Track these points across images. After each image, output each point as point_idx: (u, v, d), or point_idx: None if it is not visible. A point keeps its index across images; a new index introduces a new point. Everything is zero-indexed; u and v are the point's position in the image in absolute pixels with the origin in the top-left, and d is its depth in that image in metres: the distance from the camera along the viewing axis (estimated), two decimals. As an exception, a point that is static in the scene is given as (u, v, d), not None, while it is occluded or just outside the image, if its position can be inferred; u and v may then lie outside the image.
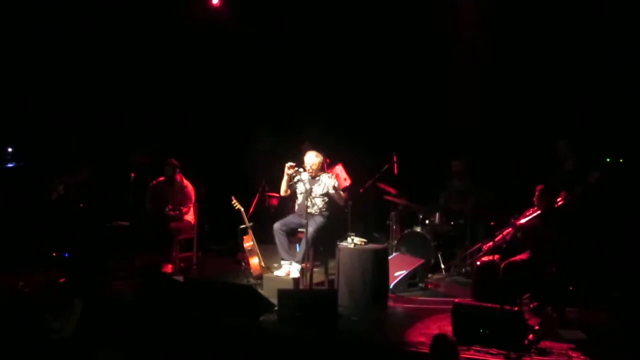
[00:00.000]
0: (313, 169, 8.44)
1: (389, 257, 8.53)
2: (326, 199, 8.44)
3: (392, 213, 9.91)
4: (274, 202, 10.43)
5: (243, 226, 8.96)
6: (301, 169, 8.41)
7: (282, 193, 8.64)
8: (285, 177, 8.45)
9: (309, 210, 8.13)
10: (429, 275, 9.05)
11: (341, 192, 8.43)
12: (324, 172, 8.62)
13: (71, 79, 11.23)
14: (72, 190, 10.18)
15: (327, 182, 8.41)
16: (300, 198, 8.55)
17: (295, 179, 8.44)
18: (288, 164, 8.36)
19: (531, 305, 7.36)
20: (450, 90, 10.53)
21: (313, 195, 8.36)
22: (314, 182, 8.46)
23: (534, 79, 10.12)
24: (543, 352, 6.17)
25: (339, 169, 9.96)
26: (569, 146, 8.87)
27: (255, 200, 9.92)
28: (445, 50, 10.60)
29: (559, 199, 7.38)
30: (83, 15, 10.97)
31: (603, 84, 9.54)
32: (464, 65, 10.32)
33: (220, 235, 11.20)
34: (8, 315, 6.10)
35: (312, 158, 8.47)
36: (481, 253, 8.55)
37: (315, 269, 8.33)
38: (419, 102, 10.83)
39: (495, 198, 9.12)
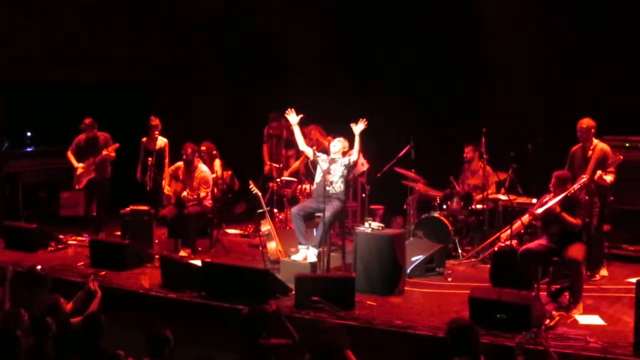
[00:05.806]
0: (337, 151, 8.44)
1: (406, 242, 8.52)
2: (345, 177, 8.38)
3: (410, 197, 9.88)
4: (292, 186, 10.40)
5: (260, 210, 8.97)
6: (319, 153, 8.41)
7: (301, 147, 8.57)
8: (296, 128, 8.42)
9: (326, 189, 8.10)
10: (446, 261, 9.02)
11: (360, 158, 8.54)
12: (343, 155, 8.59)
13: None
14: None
15: (344, 161, 8.37)
16: (318, 179, 8.46)
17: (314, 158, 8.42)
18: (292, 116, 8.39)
19: (549, 291, 7.33)
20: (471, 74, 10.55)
21: (332, 174, 8.32)
22: (333, 161, 8.41)
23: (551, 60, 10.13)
24: (560, 337, 6.15)
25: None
26: (593, 130, 8.05)
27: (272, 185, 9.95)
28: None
29: (577, 183, 7.24)
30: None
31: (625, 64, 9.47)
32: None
33: (238, 219, 11.26)
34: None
35: (339, 143, 8.48)
36: (499, 239, 8.53)
37: (332, 254, 8.33)
38: (437, 86, 10.78)
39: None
